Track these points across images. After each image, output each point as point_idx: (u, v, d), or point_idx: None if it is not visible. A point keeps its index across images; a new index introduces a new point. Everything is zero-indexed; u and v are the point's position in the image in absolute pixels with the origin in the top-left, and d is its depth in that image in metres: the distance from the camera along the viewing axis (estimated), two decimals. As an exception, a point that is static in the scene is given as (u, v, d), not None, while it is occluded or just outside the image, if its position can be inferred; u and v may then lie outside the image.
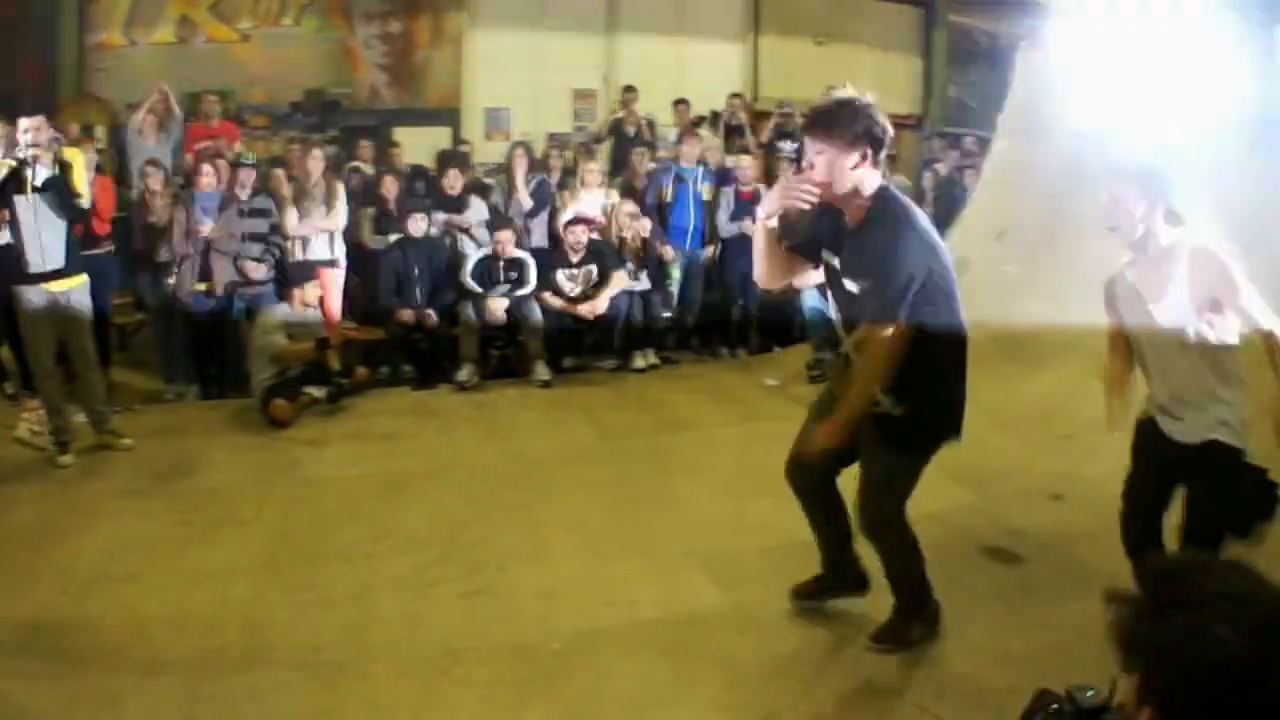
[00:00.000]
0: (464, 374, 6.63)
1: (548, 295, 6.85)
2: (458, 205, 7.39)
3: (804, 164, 2.95)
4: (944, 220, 6.47)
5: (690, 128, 8.49)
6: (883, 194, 2.90)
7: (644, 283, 7.25)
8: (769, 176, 8.05)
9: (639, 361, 7.09)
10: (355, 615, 3.62)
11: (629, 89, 9.01)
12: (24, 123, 4.93)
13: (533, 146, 8.41)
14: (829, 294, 3.17)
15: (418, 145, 8.71)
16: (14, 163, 4.87)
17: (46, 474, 5.04)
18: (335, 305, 6.90)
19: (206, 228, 6.42)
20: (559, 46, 10.43)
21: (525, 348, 6.86)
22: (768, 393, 6.59)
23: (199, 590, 3.79)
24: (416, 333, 6.84)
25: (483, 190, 7.88)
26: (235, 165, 6.84)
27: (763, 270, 3.16)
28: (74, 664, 3.25)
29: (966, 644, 3.28)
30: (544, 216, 7.58)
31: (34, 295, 5.01)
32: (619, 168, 8.36)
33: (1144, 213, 2.82)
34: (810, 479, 3.24)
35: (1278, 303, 2.84)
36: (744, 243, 7.36)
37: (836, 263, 2.99)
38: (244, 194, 6.57)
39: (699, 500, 4.66)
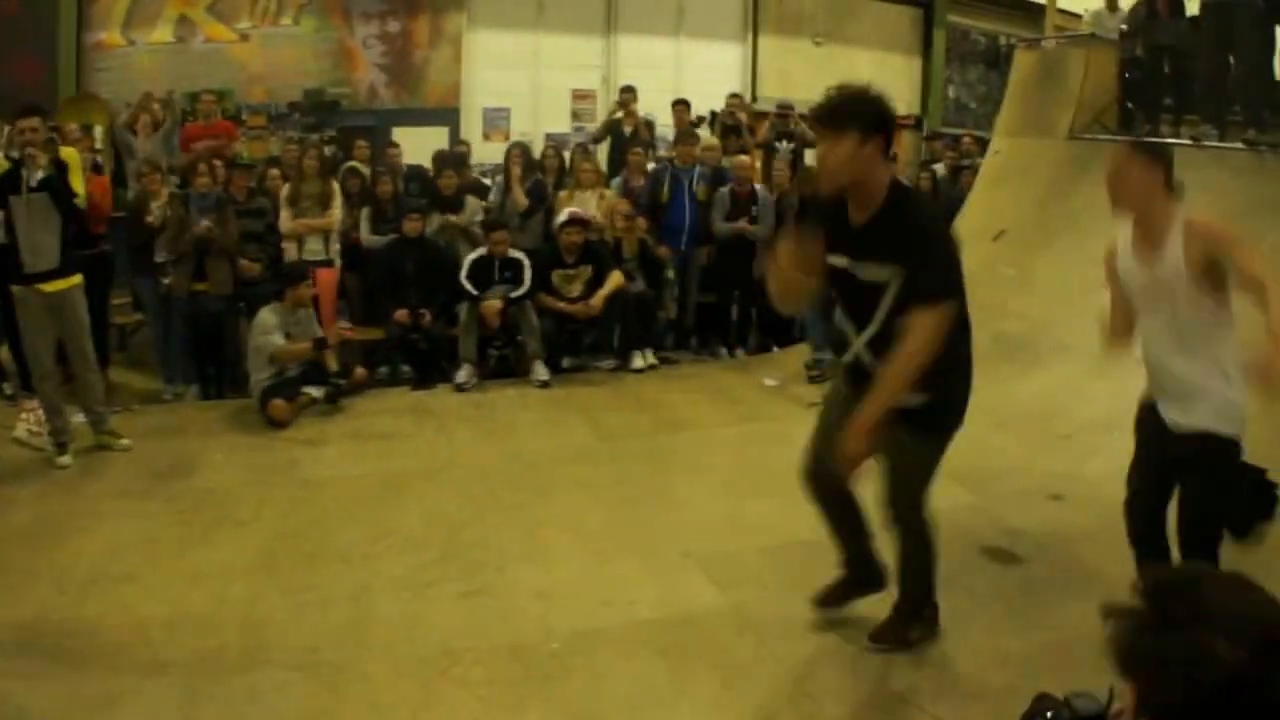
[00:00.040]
0: (462, 374, 6.62)
1: (544, 296, 6.85)
2: (454, 205, 7.39)
3: (817, 154, 2.94)
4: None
5: (689, 128, 8.48)
6: (896, 182, 2.92)
7: (640, 283, 7.24)
8: (767, 176, 8.07)
9: (637, 361, 7.08)
10: (354, 615, 3.61)
11: (627, 89, 9.00)
12: (21, 123, 4.91)
13: (530, 147, 8.40)
14: (835, 299, 3.16)
15: (417, 145, 8.69)
16: (9, 162, 4.86)
17: (45, 474, 5.03)
18: (331, 305, 6.88)
19: (203, 228, 6.41)
20: (558, 47, 10.42)
21: (524, 348, 6.86)
22: (766, 393, 6.59)
23: (198, 590, 3.79)
24: (414, 333, 6.84)
25: (479, 191, 7.85)
26: (232, 166, 6.82)
27: (778, 294, 3.17)
28: (73, 664, 3.24)
29: (966, 644, 3.29)
30: (540, 217, 7.57)
31: (29, 296, 5.00)
32: (617, 168, 8.35)
33: (1145, 182, 2.81)
34: (828, 487, 3.18)
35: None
36: (740, 242, 7.40)
37: (844, 263, 2.96)
38: (240, 194, 6.54)
39: (697, 500, 4.66)
